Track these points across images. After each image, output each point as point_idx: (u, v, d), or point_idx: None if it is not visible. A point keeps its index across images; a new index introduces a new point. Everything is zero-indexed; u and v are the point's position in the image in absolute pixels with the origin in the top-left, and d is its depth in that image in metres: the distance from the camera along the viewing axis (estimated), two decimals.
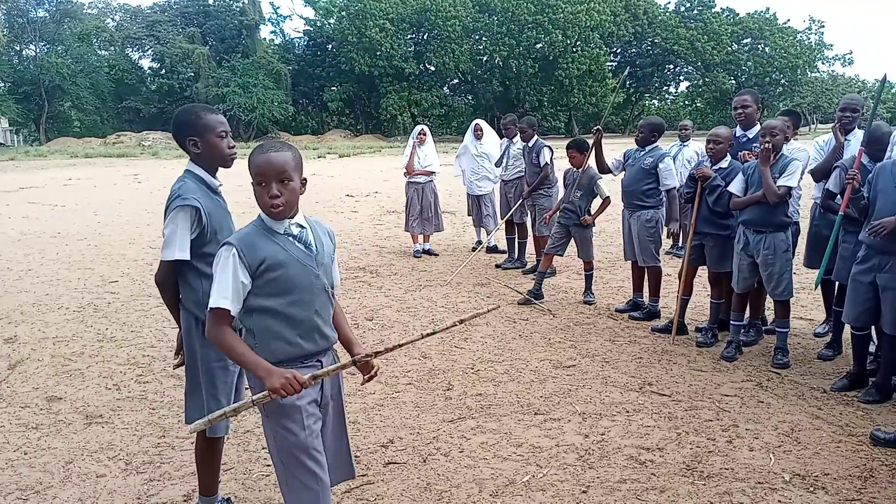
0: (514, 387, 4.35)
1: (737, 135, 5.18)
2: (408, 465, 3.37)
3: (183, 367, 2.75)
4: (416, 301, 6.48)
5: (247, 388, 2.67)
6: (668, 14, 55.26)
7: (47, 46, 48.36)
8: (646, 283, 5.89)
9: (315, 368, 2.23)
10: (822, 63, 59.59)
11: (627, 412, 3.94)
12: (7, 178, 20.34)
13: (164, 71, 50.10)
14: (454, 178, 9.21)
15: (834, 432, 3.62)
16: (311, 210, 12.76)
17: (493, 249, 8.68)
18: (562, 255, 6.58)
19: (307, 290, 2.20)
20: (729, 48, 53.69)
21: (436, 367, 4.72)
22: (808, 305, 6.00)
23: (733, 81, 53.69)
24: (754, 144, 4.92)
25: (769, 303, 5.24)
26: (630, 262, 6.01)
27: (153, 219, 11.58)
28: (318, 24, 54.32)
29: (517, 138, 7.93)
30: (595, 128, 6.06)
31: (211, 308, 2.12)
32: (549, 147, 7.33)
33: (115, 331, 5.56)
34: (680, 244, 7.76)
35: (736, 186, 4.73)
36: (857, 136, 4.70)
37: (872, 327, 4.13)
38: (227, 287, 2.11)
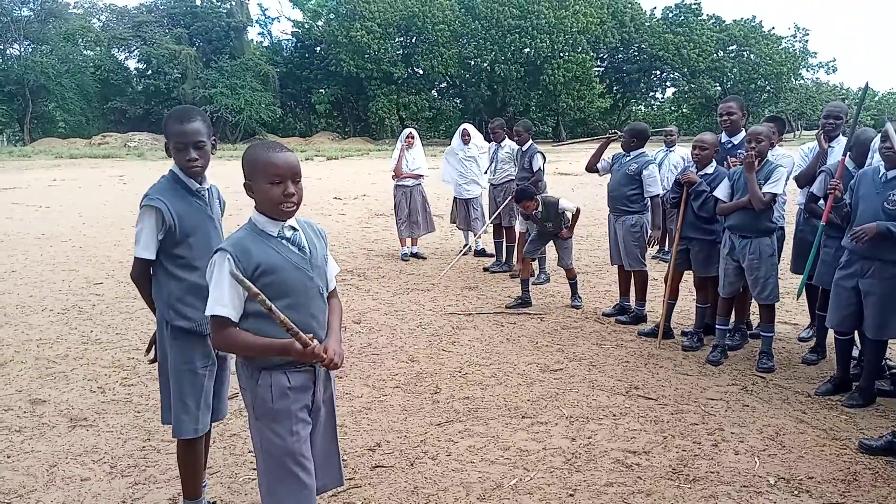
0: (501, 390, 4.35)
1: (722, 141, 5.23)
2: (395, 468, 3.37)
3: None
4: (403, 304, 6.48)
5: (236, 392, 2.67)
6: (654, 21, 55.68)
7: (32, 46, 47.88)
8: (632, 288, 5.93)
9: (308, 374, 2.22)
10: (807, 70, 60.35)
11: (614, 416, 3.96)
12: None
13: (150, 72, 49.74)
14: (442, 182, 9.22)
15: (818, 436, 3.65)
16: (299, 212, 12.70)
17: (481, 253, 8.70)
18: (534, 259, 6.67)
19: (302, 294, 2.19)
20: (714, 55, 54.19)
21: (423, 370, 4.72)
22: (792, 310, 6.06)
23: (719, 88, 54.17)
24: (739, 151, 4.97)
25: (754, 307, 5.29)
26: (616, 266, 6.05)
27: None
28: (307, 26, 54.24)
29: (505, 142, 7.96)
30: (613, 131, 6.19)
31: (211, 316, 2.10)
32: (542, 153, 7.35)
33: (99, 333, 5.51)
34: (666, 249, 7.81)
35: (721, 192, 4.77)
36: (840, 143, 4.76)
37: (856, 332, 4.18)
38: (223, 294, 2.08)
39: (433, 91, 55.00)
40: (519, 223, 6.51)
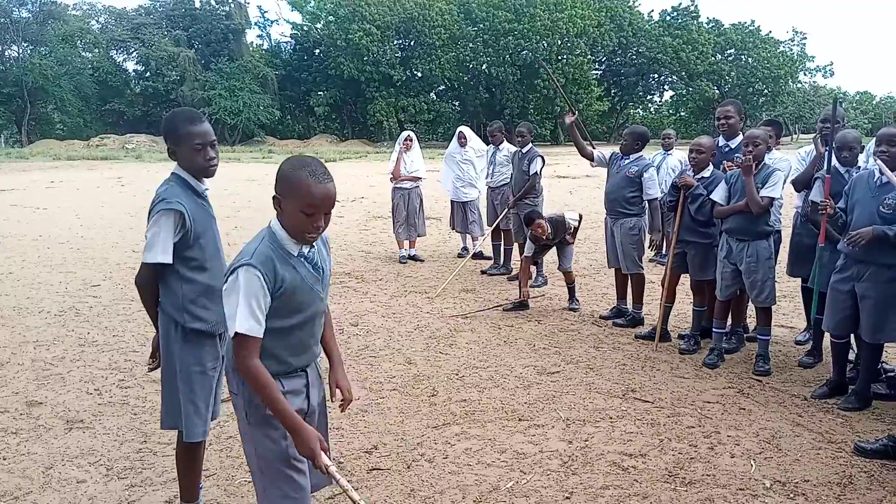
0: (498, 393, 4.36)
1: (719, 144, 5.24)
2: (392, 471, 3.37)
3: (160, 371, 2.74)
4: (401, 307, 6.48)
5: (226, 397, 2.66)
6: (652, 24, 55.76)
7: (30, 47, 47.82)
8: (629, 291, 5.94)
9: (300, 379, 2.23)
10: (804, 74, 60.54)
11: (611, 418, 3.96)
12: None
13: (148, 74, 49.68)
14: (441, 185, 9.23)
15: (814, 439, 3.66)
16: None
17: (478, 255, 8.70)
18: (535, 264, 6.67)
19: (311, 312, 2.19)
20: (712, 58, 54.28)
21: (421, 372, 4.72)
22: (789, 314, 6.07)
23: (716, 91, 54.25)
24: (737, 154, 4.98)
25: (751, 310, 5.30)
26: (613, 269, 6.06)
27: (136, 222, 11.47)
28: (305, 28, 54.24)
29: (503, 145, 7.97)
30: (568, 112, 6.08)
31: (238, 333, 2.02)
32: (542, 157, 7.35)
33: (96, 335, 5.51)
34: (663, 252, 7.82)
35: (719, 195, 4.78)
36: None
37: (852, 335, 4.19)
38: (251, 311, 2.01)
39: (431, 94, 54.99)
40: (528, 249, 6.49)
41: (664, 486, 3.19)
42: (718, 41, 55.12)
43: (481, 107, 52.73)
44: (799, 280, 5.29)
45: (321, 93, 52.69)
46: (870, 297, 3.85)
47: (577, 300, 6.48)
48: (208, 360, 2.67)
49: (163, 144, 2.75)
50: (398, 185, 8.54)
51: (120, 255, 8.85)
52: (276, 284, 2.04)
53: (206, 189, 2.73)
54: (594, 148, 6.12)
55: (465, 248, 8.96)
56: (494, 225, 7.90)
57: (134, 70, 52.93)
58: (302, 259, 2.13)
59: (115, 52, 52.31)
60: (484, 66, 50.79)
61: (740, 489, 3.16)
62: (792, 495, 3.10)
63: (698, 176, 5.05)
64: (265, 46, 57.79)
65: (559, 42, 49.94)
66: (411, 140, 8.63)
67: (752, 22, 56.92)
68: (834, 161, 4.31)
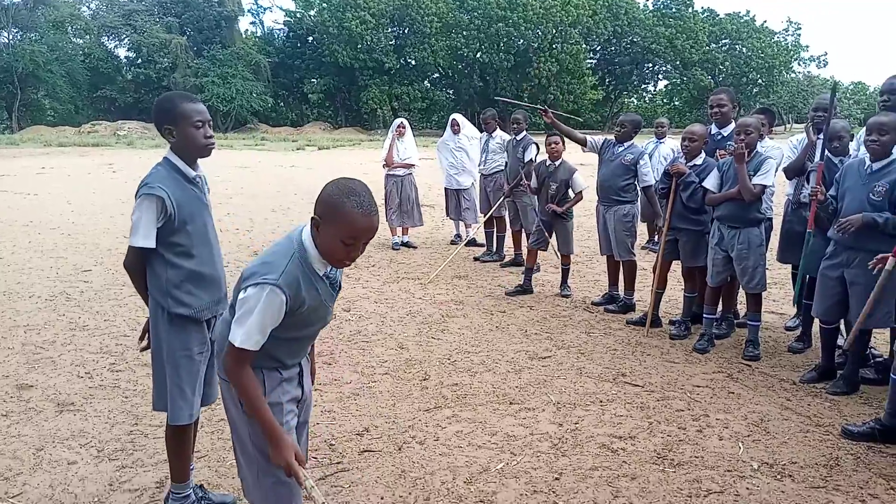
0: (489, 377, 4.38)
1: (712, 132, 5.25)
2: (383, 452, 3.38)
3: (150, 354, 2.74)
4: (393, 293, 6.48)
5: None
6: (647, 13, 55.61)
7: (21, 33, 47.27)
8: (621, 277, 5.96)
9: (296, 368, 2.23)
10: (799, 64, 60.61)
11: (601, 402, 3.99)
12: None
13: (140, 60, 49.25)
14: (437, 170, 9.19)
15: (802, 422, 3.70)
16: (290, 201, 12.68)
17: (471, 242, 8.70)
18: (545, 250, 6.62)
19: (317, 326, 2.21)
20: (707, 47, 54.23)
21: (412, 357, 4.73)
22: (779, 300, 6.11)
23: (711, 80, 54.21)
24: (729, 142, 4.99)
25: (741, 297, 5.33)
26: (606, 255, 6.07)
27: (127, 208, 11.37)
28: (299, 15, 53.80)
29: (496, 132, 7.95)
30: (542, 106, 6.35)
31: (238, 347, 1.99)
32: (536, 144, 7.34)
33: (87, 319, 5.50)
34: (655, 239, 7.85)
35: (711, 182, 4.80)
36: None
37: (841, 321, 4.22)
38: (258, 329, 1.97)
39: (425, 82, 54.75)
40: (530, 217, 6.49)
41: (653, 468, 3.22)
42: (713, 30, 55.06)
43: (475, 94, 52.54)
44: (789, 267, 5.32)
45: (314, 80, 52.36)
46: (859, 283, 3.88)
47: (569, 286, 6.50)
48: (195, 345, 2.66)
49: (154, 131, 2.73)
50: (391, 173, 8.53)
51: (111, 241, 8.81)
52: (296, 305, 2.01)
53: (199, 174, 2.70)
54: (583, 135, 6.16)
55: (458, 235, 8.96)
56: (488, 215, 7.89)
57: (125, 57, 52.47)
58: (325, 278, 2.10)
59: (106, 38, 51.75)
60: (478, 55, 50.61)
61: (728, 471, 3.19)
62: (779, 476, 3.14)
63: (690, 164, 5.06)
64: (258, 33, 57.35)
65: (553, 31, 49.75)
66: (404, 127, 8.60)
67: (748, 12, 56.97)
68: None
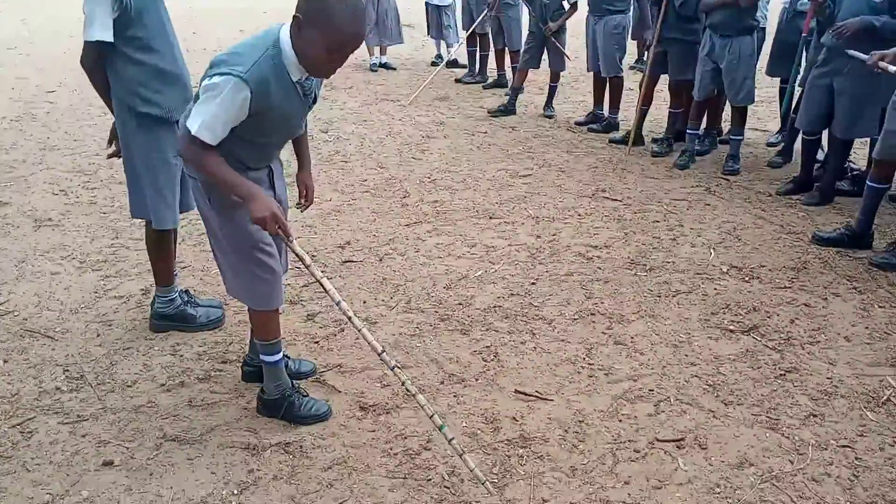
0: (470, 194, 4.38)
1: None
2: (364, 263, 3.45)
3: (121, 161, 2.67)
4: (372, 115, 6.30)
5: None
6: None
7: None
8: (607, 96, 5.80)
9: (263, 170, 2.16)
10: None
11: (579, 216, 4.03)
12: None
13: None
14: None
15: (774, 231, 3.78)
16: (260, 21, 11.92)
17: (453, 63, 8.35)
18: (536, 68, 6.35)
19: (286, 136, 2.14)
20: None
21: (393, 176, 4.70)
22: (764, 118, 6.03)
23: None
24: None
25: (726, 115, 5.25)
26: (592, 73, 5.87)
27: None
28: None
29: None
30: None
31: (194, 135, 1.88)
32: None
33: (56, 140, 5.32)
34: (644, 59, 7.57)
35: None
36: None
37: (824, 133, 4.19)
38: (218, 121, 1.87)
39: None
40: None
41: (625, 272, 3.32)
42: None
43: None
44: (777, 86, 5.19)
45: None
46: (846, 92, 3.80)
47: (553, 107, 6.34)
48: (168, 149, 2.58)
49: None
50: None
51: (73, 62, 8.28)
52: (261, 105, 1.88)
53: None
54: None
55: (439, 56, 8.57)
56: (471, 30, 7.48)
57: None
58: (298, 86, 1.96)
59: None
60: None
61: (697, 273, 3.30)
62: (747, 279, 3.26)
63: None
64: None
65: None
66: None
67: None
68: None
